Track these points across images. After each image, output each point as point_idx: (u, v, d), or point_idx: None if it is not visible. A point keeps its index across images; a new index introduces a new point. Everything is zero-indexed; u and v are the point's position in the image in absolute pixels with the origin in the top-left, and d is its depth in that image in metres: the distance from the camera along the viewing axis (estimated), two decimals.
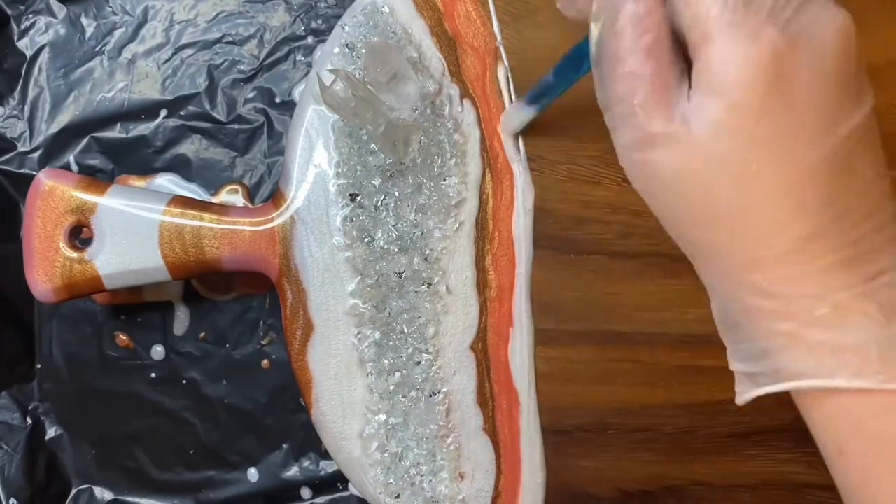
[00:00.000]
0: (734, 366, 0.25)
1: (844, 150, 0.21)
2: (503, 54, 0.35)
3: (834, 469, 0.24)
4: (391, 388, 0.34)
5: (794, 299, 0.22)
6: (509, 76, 0.35)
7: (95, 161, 0.39)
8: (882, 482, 0.22)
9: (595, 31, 0.23)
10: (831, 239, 0.21)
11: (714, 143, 0.21)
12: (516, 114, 0.34)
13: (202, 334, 0.39)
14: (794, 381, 0.22)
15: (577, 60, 0.27)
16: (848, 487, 0.23)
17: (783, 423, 0.36)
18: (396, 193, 0.34)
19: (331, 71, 0.33)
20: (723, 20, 0.20)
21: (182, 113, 0.39)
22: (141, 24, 0.39)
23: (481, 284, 0.35)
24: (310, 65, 0.38)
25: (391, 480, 0.34)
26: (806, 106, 0.21)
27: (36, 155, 0.39)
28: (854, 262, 0.21)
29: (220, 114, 0.38)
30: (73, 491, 0.39)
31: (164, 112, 0.39)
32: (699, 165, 0.21)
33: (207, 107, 0.38)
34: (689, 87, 0.21)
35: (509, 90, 0.35)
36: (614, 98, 0.22)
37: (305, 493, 0.39)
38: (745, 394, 0.24)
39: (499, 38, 0.35)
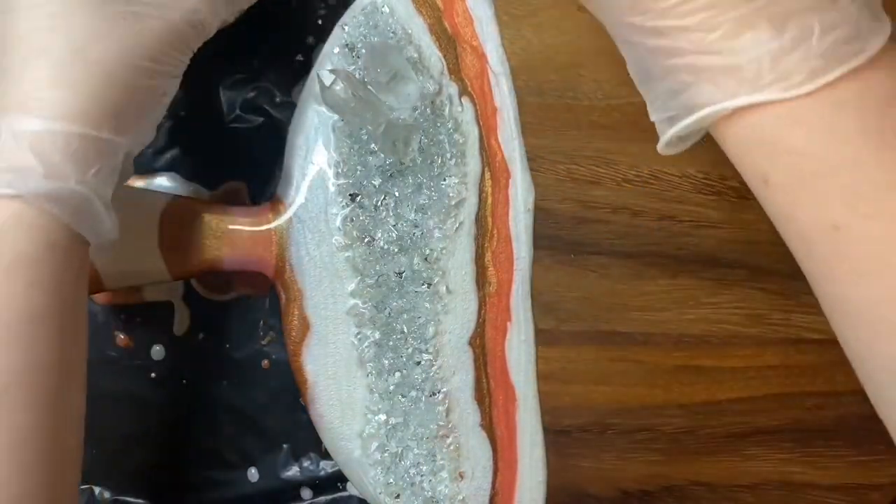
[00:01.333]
0: (654, 116, 0.25)
1: None
2: (504, 54, 0.35)
3: (763, 201, 0.23)
4: (391, 388, 0.34)
5: (682, 32, 0.22)
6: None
7: None
8: (806, 203, 0.22)
9: None
10: None
11: None
12: None
13: (202, 334, 0.39)
14: (701, 110, 0.22)
15: None
16: (779, 218, 0.23)
17: (783, 423, 0.36)
18: (396, 193, 0.34)
19: (331, 71, 0.33)
20: None
21: (182, 113, 0.39)
22: None
23: (481, 280, 0.35)
24: (310, 65, 0.38)
25: (391, 480, 0.34)
26: None
27: None
28: None
29: (220, 114, 0.38)
30: None
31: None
32: None
33: (208, 107, 0.38)
34: None
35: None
36: None
37: (305, 493, 0.39)
38: (664, 137, 0.24)
39: (499, 38, 0.35)
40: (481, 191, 0.35)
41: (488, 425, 0.35)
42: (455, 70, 0.35)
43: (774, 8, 0.21)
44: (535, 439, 0.35)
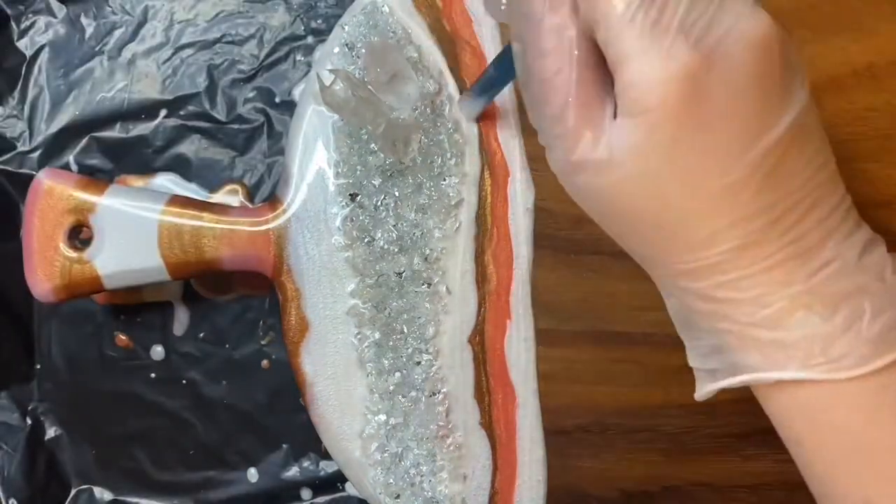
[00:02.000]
0: (693, 363, 0.25)
1: (775, 156, 0.21)
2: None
3: (796, 458, 0.24)
4: (391, 388, 0.34)
5: (735, 303, 0.22)
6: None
7: (95, 161, 0.39)
8: (841, 474, 0.22)
9: (518, 50, 0.23)
10: (770, 243, 0.21)
11: (635, 167, 0.21)
12: (468, 104, 0.34)
13: (202, 334, 0.39)
14: (746, 374, 0.23)
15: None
16: (811, 477, 0.24)
17: None
18: (396, 193, 0.34)
19: (331, 71, 0.33)
20: (635, 40, 0.20)
21: (182, 113, 0.39)
22: (141, 24, 0.39)
23: (480, 279, 0.35)
24: (310, 65, 0.38)
25: (391, 481, 0.34)
26: (724, 122, 0.21)
27: (35, 155, 0.39)
28: (797, 258, 0.21)
29: (219, 114, 0.38)
30: (73, 491, 0.39)
31: (163, 112, 0.39)
32: (626, 188, 0.22)
33: (207, 107, 0.38)
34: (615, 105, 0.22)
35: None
36: (542, 120, 0.23)
37: (305, 493, 0.39)
38: (703, 388, 0.25)
39: (498, 37, 0.35)
40: (481, 190, 0.35)
41: (488, 424, 0.35)
42: (455, 69, 0.35)
43: (827, 289, 0.21)
44: (534, 438, 0.35)
